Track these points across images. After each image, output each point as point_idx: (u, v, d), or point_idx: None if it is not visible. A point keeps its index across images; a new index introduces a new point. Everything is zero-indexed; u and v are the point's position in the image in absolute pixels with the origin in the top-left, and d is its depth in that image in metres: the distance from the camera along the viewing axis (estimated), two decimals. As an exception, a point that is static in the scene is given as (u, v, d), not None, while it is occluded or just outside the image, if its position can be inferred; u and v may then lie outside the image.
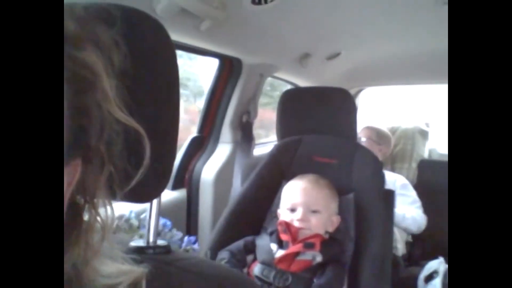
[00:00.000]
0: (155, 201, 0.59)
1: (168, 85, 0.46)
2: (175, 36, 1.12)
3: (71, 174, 0.34)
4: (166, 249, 0.53)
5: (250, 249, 1.08)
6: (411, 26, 1.53)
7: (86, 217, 0.37)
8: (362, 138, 1.99)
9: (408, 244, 1.80)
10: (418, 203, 1.79)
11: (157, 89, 0.44)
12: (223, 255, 1.05)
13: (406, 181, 1.87)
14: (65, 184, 0.33)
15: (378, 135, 2.03)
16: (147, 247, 0.54)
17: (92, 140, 0.34)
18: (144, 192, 0.46)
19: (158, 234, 0.59)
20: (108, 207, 0.38)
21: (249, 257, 1.07)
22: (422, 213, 1.76)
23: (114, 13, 0.39)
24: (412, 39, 1.71)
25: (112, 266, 0.38)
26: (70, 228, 0.35)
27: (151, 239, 0.57)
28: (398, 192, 1.78)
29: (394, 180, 1.84)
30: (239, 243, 1.09)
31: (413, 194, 1.82)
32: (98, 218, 0.37)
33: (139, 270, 0.38)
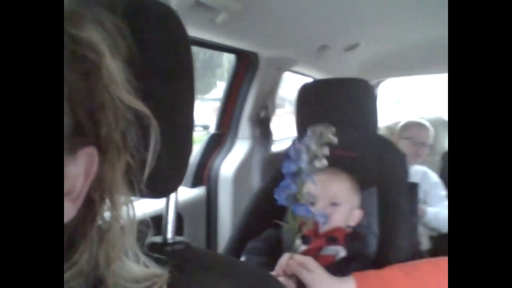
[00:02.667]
0: (172, 196, 0.58)
1: (183, 75, 0.45)
2: (190, 31, 1.11)
3: (88, 166, 0.32)
4: (185, 245, 0.52)
5: (278, 241, 1.06)
6: (431, 14, 1.48)
7: (106, 215, 0.36)
8: (409, 138, 1.83)
9: (432, 239, 1.75)
10: (447, 200, 1.74)
11: (171, 78, 0.43)
12: (254, 244, 1.03)
13: (437, 179, 1.78)
14: (82, 178, 0.32)
15: (430, 133, 1.88)
16: (166, 243, 0.53)
17: (104, 127, 0.32)
18: (161, 186, 0.44)
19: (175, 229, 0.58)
20: (129, 204, 0.37)
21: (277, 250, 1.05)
22: None
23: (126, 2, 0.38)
24: (433, 28, 1.66)
25: (135, 268, 0.36)
26: (88, 227, 0.34)
27: (169, 235, 0.56)
28: (429, 190, 1.73)
29: (426, 172, 1.78)
30: (270, 234, 1.07)
31: (443, 192, 1.76)
32: (119, 217, 0.35)
33: (162, 274, 0.37)
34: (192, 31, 1.14)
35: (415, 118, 2.01)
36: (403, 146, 1.82)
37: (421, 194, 1.71)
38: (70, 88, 0.30)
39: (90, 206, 0.34)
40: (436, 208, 1.67)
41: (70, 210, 0.32)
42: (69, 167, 0.31)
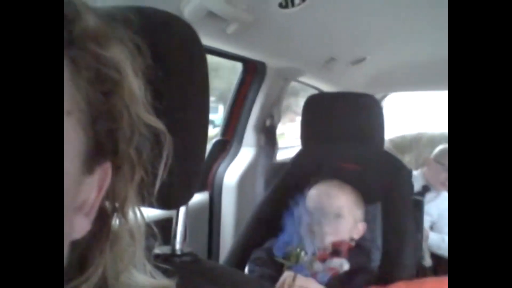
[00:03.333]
0: (182, 208, 0.58)
1: (198, 89, 0.46)
2: (201, 40, 1.12)
3: (102, 181, 0.32)
4: (193, 258, 0.53)
5: None
6: (437, 30, 1.49)
7: (115, 225, 0.35)
8: (443, 166, 1.78)
9: (434, 256, 1.74)
10: None
11: (186, 92, 0.44)
12: (259, 254, 1.03)
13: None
14: (96, 191, 0.32)
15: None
16: (174, 255, 0.54)
17: (121, 144, 0.32)
18: (172, 198, 0.45)
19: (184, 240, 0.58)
20: (138, 214, 0.36)
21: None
22: None
23: (141, 15, 0.38)
24: (439, 43, 1.66)
25: (143, 279, 0.36)
26: (98, 238, 0.34)
27: (177, 246, 0.56)
28: (444, 214, 1.71)
29: (445, 198, 1.76)
30: (274, 243, 1.07)
31: None
32: (128, 227, 0.35)
33: (169, 285, 0.37)
34: (204, 40, 1.15)
35: (435, 136, 2.00)
36: (435, 170, 1.80)
37: (435, 216, 1.71)
38: (93, 110, 0.30)
39: (103, 220, 0.34)
40: (440, 235, 1.67)
41: (84, 225, 0.31)
42: (84, 184, 0.31)
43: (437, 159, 1.85)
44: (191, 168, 0.45)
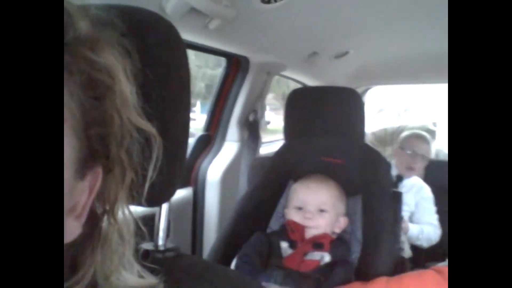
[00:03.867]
0: (164, 205, 0.59)
1: (180, 88, 0.46)
2: (183, 35, 1.11)
3: (92, 184, 0.33)
4: (176, 253, 0.53)
5: (267, 245, 1.07)
6: (420, 24, 1.51)
7: (105, 226, 0.35)
8: (409, 150, 1.84)
9: (413, 246, 1.78)
10: (436, 216, 1.77)
11: (169, 92, 0.44)
12: (246, 250, 1.04)
13: (431, 194, 1.81)
14: (87, 194, 0.32)
15: (430, 147, 1.89)
16: (157, 250, 0.54)
17: (112, 148, 0.33)
18: (155, 196, 0.45)
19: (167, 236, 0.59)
20: (127, 215, 0.36)
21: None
22: (438, 228, 1.73)
23: (124, 15, 0.38)
24: (421, 38, 1.69)
25: (131, 280, 0.36)
26: (88, 239, 0.34)
27: (160, 242, 0.57)
28: (421, 203, 1.76)
29: (422, 186, 1.81)
30: (260, 238, 1.07)
31: (434, 207, 1.79)
32: (117, 228, 0.35)
33: (156, 284, 0.37)
34: (186, 35, 1.15)
35: (415, 129, 2.03)
36: (401, 156, 1.85)
37: (413, 207, 1.75)
38: (86, 116, 0.30)
39: (93, 222, 0.34)
40: (419, 225, 1.71)
41: (75, 227, 0.32)
42: (76, 189, 0.31)
43: (400, 145, 1.89)
44: (174, 166, 0.45)
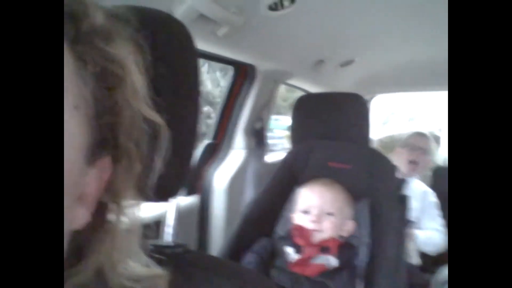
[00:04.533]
0: (173, 202, 0.59)
1: (190, 84, 0.47)
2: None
3: (101, 173, 0.33)
4: (185, 249, 0.54)
5: (270, 252, 1.08)
6: (425, 32, 1.53)
7: (112, 216, 0.36)
8: (409, 146, 1.85)
9: (421, 253, 1.77)
10: (442, 221, 1.76)
11: (179, 87, 0.45)
12: (250, 258, 1.04)
13: (435, 199, 1.80)
14: (96, 182, 0.33)
15: (430, 144, 1.90)
16: (166, 246, 0.55)
17: (121, 138, 0.33)
18: (162, 190, 0.46)
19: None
20: (135, 207, 0.37)
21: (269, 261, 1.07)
22: (444, 233, 1.72)
23: (137, 12, 0.40)
24: (425, 46, 1.70)
25: (137, 268, 0.37)
26: (96, 228, 0.34)
27: (169, 238, 0.57)
28: (427, 208, 1.76)
29: (426, 192, 1.80)
30: (263, 245, 1.08)
31: (439, 213, 1.78)
32: (124, 218, 0.36)
33: (163, 274, 0.37)
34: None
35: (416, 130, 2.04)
36: (403, 154, 1.84)
37: (416, 212, 1.74)
38: (98, 105, 0.31)
39: (101, 211, 0.35)
40: (426, 232, 1.70)
41: (83, 215, 0.32)
42: (85, 176, 0.31)
43: (401, 145, 1.89)
44: (181, 160, 0.46)
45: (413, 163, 1.81)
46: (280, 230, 1.17)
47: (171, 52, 0.44)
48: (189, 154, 0.49)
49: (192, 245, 1.62)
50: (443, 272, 1.52)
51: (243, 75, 1.67)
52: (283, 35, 1.35)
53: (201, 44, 1.20)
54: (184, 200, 1.60)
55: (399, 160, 1.85)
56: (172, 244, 0.56)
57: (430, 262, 1.72)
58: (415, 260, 1.67)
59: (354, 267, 1.01)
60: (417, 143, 1.85)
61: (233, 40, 1.22)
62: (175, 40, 0.45)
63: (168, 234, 0.58)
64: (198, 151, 1.72)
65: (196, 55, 0.49)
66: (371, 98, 2.68)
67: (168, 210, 0.59)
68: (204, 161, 1.73)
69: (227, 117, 1.75)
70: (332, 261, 0.99)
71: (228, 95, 1.73)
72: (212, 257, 0.51)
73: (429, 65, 1.94)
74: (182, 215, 1.51)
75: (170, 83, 0.44)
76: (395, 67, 2.04)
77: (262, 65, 1.60)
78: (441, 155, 2.21)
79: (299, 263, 0.99)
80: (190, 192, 1.65)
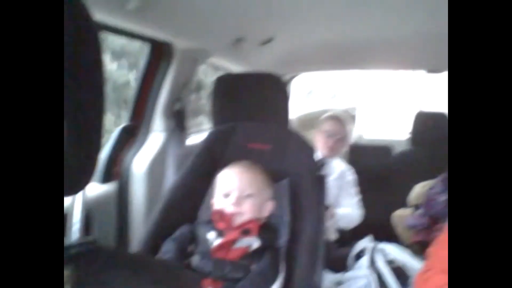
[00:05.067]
0: (79, 195, 0.54)
1: (91, 68, 0.42)
2: (98, 16, 1.04)
3: None
4: (93, 246, 0.49)
5: (191, 239, 1.05)
6: (345, 10, 1.55)
7: None
8: (325, 131, 1.89)
9: (339, 230, 1.86)
10: (357, 197, 1.86)
11: (78, 72, 0.40)
12: (168, 246, 1.01)
13: (353, 176, 1.90)
14: None
15: (346, 127, 1.95)
16: (71, 246, 0.49)
17: None
18: (67, 184, 0.41)
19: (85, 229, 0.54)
20: None
21: (190, 247, 1.04)
22: (359, 208, 1.84)
23: None
24: (346, 23, 1.73)
25: None
26: None
27: (75, 236, 0.52)
28: (344, 186, 1.86)
29: (344, 171, 1.89)
30: (183, 233, 1.06)
31: (355, 190, 1.88)
32: None
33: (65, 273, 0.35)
34: (101, 16, 1.07)
35: (332, 112, 2.10)
36: (320, 139, 1.91)
37: (335, 190, 1.82)
38: None
39: None
40: (344, 209, 1.80)
41: None
42: None
43: (318, 128, 1.96)
44: (87, 153, 0.42)
45: (330, 148, 1.88)
46: (203, 215, 1.14)
47: (65, 31, 0.38)
48: (96, 144, 0.44)
49: (111, 234, 1.53)
50: (359, 245, 1.61)
51: (159, 53, 1.59)
52: (200, 10, 1.29)
53: (109, 19, 1.11)
54: (99, 189, 1.50)
55: (318, 142, 1.90)
56: (77, 242, 0.51)
57: (347, 237, 1.82)
58: (333, 235, 1.76)
59: (277, 248, 1.02)
60: (333, 130, 1.91)
61: (146, 15, 1.14)
62: (70, 18, 0.39)
63: (75, 229, 0.52)
64: (113, 135, 1.62)
65: (96, 34, 0.43)
66: (293, 76, 2.72)
67: (74, 203, 0.53)
68: (120, 145, 1.63)
69: (144, 98, 1.66)
70: (254, 242, 0.99)
71: (145, 75, 1.64)
72: (125, 253, 0.48)
73: (350, 43, 1.99)
74: (98, 204, 1.43)
75: (66, 66, 0.38)
76: (316, 45, 2.06)
77: (179, 43, 1.53)
78: (356, 133, 2.32)
79: (222, 247, 0.98)
80: (105, 180, 1.55)
